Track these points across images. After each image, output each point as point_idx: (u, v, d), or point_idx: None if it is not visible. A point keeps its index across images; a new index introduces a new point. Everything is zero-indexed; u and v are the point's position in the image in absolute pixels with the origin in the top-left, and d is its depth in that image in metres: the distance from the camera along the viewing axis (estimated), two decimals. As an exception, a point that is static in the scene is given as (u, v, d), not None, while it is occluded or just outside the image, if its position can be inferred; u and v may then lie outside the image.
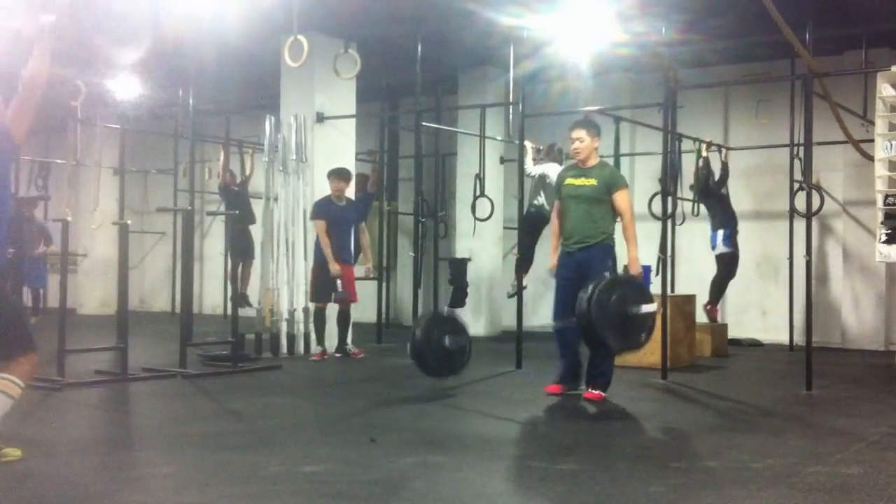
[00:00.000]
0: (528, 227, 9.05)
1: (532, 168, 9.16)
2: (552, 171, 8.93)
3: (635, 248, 6.24)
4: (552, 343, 6.62)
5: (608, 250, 6.31)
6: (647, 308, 5.82)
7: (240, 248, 10.59)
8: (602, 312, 5.67)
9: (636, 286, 5.98)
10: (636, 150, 11.56)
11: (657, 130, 8.60)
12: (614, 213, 6.39)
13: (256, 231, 11.18)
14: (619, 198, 6.30)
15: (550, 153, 9.58)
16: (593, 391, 6.23)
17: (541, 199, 9.22)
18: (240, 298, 9.93)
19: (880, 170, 7.84)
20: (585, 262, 6.25)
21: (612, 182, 6.35)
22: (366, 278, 9.58)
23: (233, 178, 11.67)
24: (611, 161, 10.20)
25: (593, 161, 6.47)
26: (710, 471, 4.32)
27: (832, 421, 5.78)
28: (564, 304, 6.29)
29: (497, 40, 9.54)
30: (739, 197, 11.24)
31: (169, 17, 7.96)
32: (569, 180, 6.48)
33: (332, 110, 9.49)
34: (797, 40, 7.10)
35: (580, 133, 6.41)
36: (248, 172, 11.75)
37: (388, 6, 8.91)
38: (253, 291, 10.54)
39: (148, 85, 10.89)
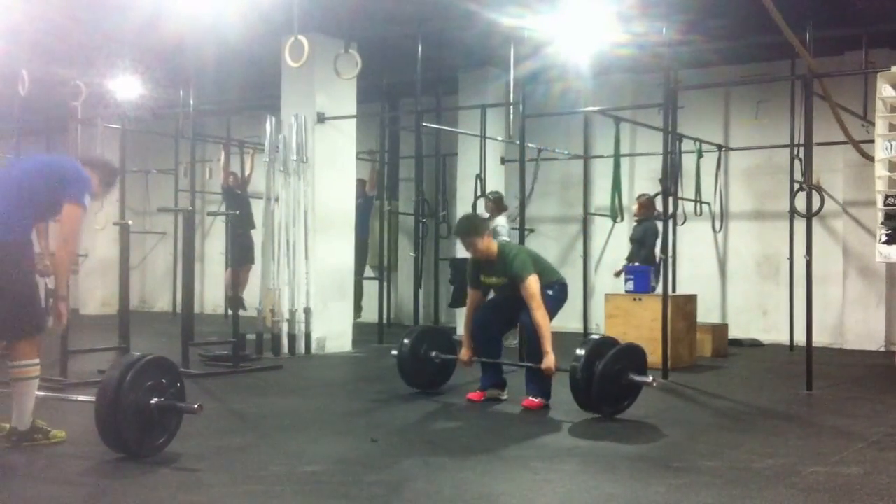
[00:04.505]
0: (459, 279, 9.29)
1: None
2: (501, 222, 9.62)
3: (548, 342, 5.85)
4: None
5: (553, 287, 6.16)
6: (641, 379, 5.77)
7: (240, 254, 10.58)
8: (605, 382, 5.62)
9: (639, 356, 5.96)
10: (636, 150, 11.57)
11: (657, 131, 8.61)
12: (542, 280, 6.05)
13: (256, 235, 11.18)
14: (525, 290, 5.91)
15: (498, 205, 9.87)
16: (533, 399, 6.13)
17: None
18: (236, 302, 9.94)
19: (880, 170, 7.84)
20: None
21: (515, 276, 5.96)
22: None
23: (236, 181, 11.68)
24: (610, 162, 10.26)
25: (493, 252, 6.11)
26: (710, 471, 4.33)
27: (832, 421, 5.79)
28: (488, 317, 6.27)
29: (497, 41, 9.55)
30: (739, 197, 11.27)
31: (170, 17, 7.97)
32: (483, 278, 6.24)
33: (333, 110, 9.50)
34: (797, 41, 7.11)
35: (468, 241, 6.09)
36: (247, 172, 11.74)
37: (389, 6, 8.91)
38: (252, 294, 10.49)
39: (149, 85, 10.90)
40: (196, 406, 4.52)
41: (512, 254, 6.09)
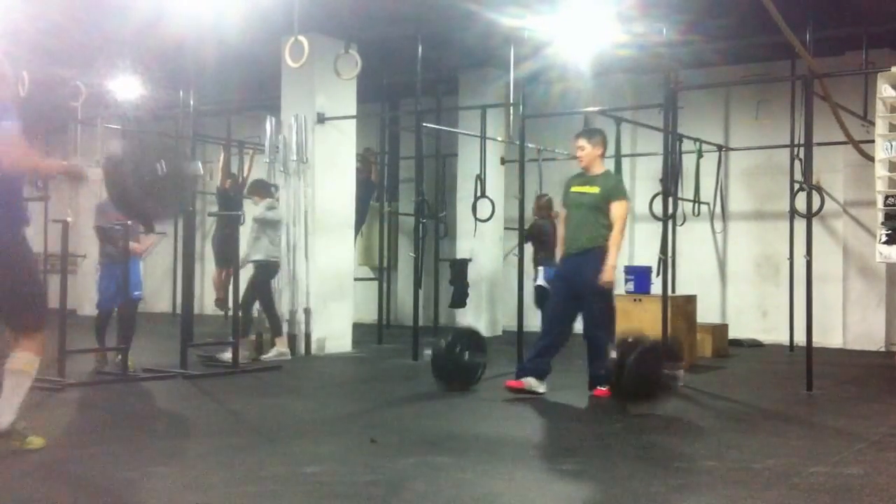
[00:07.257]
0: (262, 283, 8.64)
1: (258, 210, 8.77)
2: (270, 207, 8.78)
3: (615, 256, 6.38)
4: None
5: (604, 256, 6.40)
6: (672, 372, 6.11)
7: (225, 256, 10.34)
8: (638, 378, 5.88)
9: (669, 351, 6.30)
10: (637, 150, 11.57)
11: (658, 131, 8.60)
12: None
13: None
14: (616, 208, 6.46)
15: (261, 191, 8.89)
16: (601, 388, 6.42)
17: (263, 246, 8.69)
18: (222, 303, 9.92)
19: (880, 170, 7.85)
20: (581, 266, 6.41)
21: (613, 192, 6.51)
22: None
23: (234, 183, 11.58)
24: (611, 162, 10.26)
25: (598, 169, 6.64)
26: (710, 471, 4.32)
27: (832, 421, 5.79)
28: (557, 312, 6.56)
29: (497, 41, 9.54)
30: (740, 197, 11.27)
31: (170, 17, 7.97)
32: (574, 188, 6.68)
33: (333, 111, 9.50)
34: (797, 41, 7.11)
35: (581, 142, 6.64)
36: (245, 174, 11.63)
37: (389, 7, 8.91)
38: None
39: (148, 85, 10.90)
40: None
41: (616, 176, 7.07)
